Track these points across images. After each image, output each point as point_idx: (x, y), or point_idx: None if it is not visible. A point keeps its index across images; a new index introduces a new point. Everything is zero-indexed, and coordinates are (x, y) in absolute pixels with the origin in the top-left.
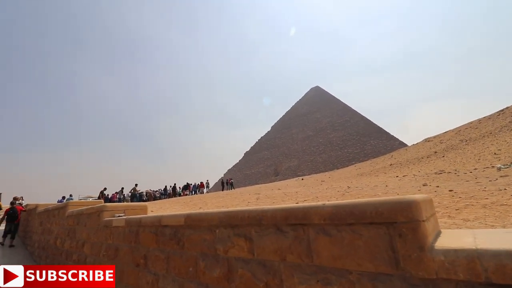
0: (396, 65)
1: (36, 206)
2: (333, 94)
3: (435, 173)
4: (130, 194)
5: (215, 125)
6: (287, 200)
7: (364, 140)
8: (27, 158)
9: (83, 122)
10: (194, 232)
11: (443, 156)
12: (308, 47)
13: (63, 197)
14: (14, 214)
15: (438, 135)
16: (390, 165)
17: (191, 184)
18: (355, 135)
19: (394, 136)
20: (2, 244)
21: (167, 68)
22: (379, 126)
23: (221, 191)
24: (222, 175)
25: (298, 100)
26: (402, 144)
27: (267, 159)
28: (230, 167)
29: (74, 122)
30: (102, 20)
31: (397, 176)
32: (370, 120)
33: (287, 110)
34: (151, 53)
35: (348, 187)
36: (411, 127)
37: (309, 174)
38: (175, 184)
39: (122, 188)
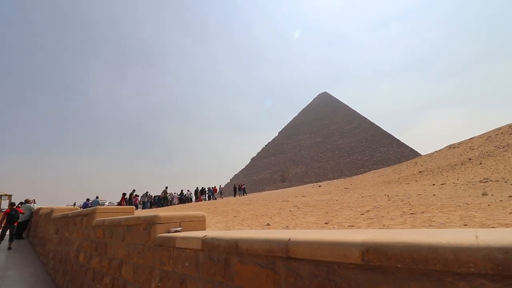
0: (403, 70)
1: (51, 210)
2: (341, 100)
3: (480, 181)
4: (151, 197)
5: (223, 129)
6: (330, 208)
7: (374, 147)
8: (39, 161)
9: (94, 127)
10: (385, 281)
11: (480, 163)
12: (316, 53)
13: (88, 199)
14: (15, 215)
15: (463, 142)
16: (419, 172)
17: (206, 189)
18: (364, 141)
19: (404, 143)
20: (10, 248)
21: (178, 73)
22: (388, 133)
23: (233, 197)
24: (229, 180)
25: (306, 106)
26: (413, 152)
27: (274, 165)
28: (236, 172)
29: (85, 127)
30: (117, 27)
31: (433, 184)
32: (379, 127)
33: (294, 116)
34: (163, 59)
35: (386, 195)
36: (419, 133)
37: (316, 181)
38: (197, 188)
39: (147, 192)
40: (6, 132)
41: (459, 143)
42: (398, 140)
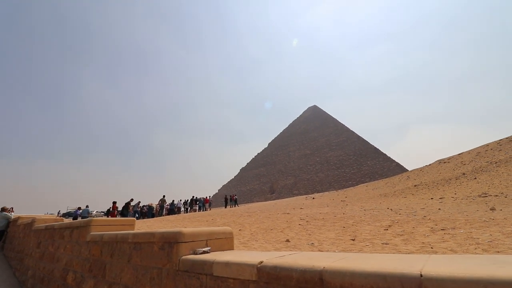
0: (388, 87)
1: (33, 220)
2: (330, 114)
3: (479, 196)
4: (141, 208)
5: (213, 139)
6: (343, 222)
7: (361, 161)
8: (22, 167)
9: (83, 133)
10: None
11: (475, 178)
12: (307, 67)
13: (79, 208)
14: None
15: (453, 157)
16: (414, 186)
17: (197, 199)
18: (352, 155)
19: (391, 157)
20: None
21: (171, 82)
22: (375, 147)
23: (224, 208)
24: (217, 191)
25: (296, 118)
26: (399, 166)
27: (263, 176)
28: (225, 182)
29: (74, 133)
30: (110, 35)
31: (431, 198)
32: (366, 141)
33: (284, 128)
34: (156, 67)
35: (390, 209)
36: (403, 148)
37: (305, 193)
38: (192, 197)
39: (139, 202)
40: None
41: (449, 158)
42: (385, 154)
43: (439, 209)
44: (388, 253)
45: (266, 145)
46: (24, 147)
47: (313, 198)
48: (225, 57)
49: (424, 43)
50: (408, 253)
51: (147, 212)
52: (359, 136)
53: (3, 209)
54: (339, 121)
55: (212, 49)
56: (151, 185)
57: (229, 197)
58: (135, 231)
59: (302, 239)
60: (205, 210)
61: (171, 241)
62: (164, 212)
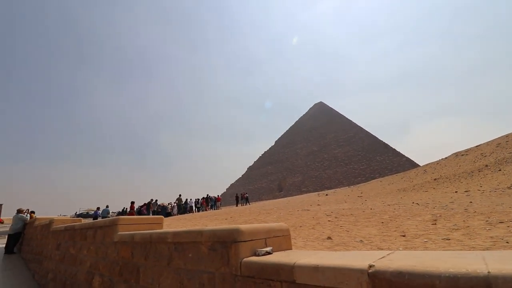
0: (396, 82)
1: (51, 221)
2: (337, 110)
3: (508, 187)
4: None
5: (219, 138)
6: (378, 217)
7: (370, 156)
8: (35, 171)
9: (91, 136)
10: None
11: (500, 170)
12: (311, 64)
13: (98, 208)
14: None
15: (470, 149)
16: (434, 180)
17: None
18: (360, 151)
19: (401, 152)
20: None
21: (175, 84)
22: (384, 142)
23: (235, 206)
24: (225, 190)
25: (302, 115)
26: (409, 161)
27: (270, 174)
28: (233, 181)
29: (83, 136)
30: (116, 37)
31: (456, 192)
32: (375, 136)
33: (291, 125)
34: (161, 68)
35: (415, 203)
36: (412, 143)
37: (314, 190)
38: (207, 195)
39: (156, 200)
40: (2, 141)
41: (466, 151)
42: (394, 150)
43: (471, 202)
44: (473, 250)
45: (273, 143)
46: (33, 152)
47: (326, 195)
48: (229, 57)
49: (430, 36)
50: (498, 249)
51: (160, 212)
52: (367, 131)
53: (19, 211)
54: (347, 117)
55: (216, 49)
56: (158, 185)
57: (240, 195)
58: (176, 229)
59: (343, 236)
60: (217, 208)
61: (226, 240)
62: (174, 212)
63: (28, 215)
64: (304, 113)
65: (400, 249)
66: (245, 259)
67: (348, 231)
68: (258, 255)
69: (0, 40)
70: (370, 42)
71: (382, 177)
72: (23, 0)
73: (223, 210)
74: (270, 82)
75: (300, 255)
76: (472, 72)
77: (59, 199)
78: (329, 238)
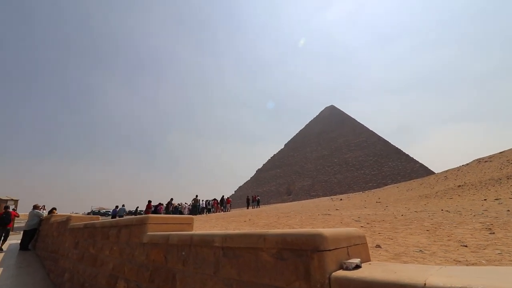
0: (410, 86)
1: (68, 218)
2: (348, 114)
3: None
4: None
5: (228, 140)
6: (418, 224)
7: (382, 162)
8: (48, 167)
9: (101, 135)
10: None
11: None
12: (323, 67)
13: (116, 206)
14: (7, 218)
15: (494, 155)
16: (459, 186)
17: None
18: (372, 156)
19: (414, 158)
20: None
21: (185, 85)
22: (397, 148)
23: (246, 209)
24: (233, 192)
25: (313, 118)
26: (423, 167)
27: (279, 177)
28: (241, 183)
29: (93, 135)
30: (126, 37)
31: (485, 199)
32: (388, 141)
33: (301, 129)
34: (164, 69)
35: (446, 210)
36: (425, 149)
37: (323, 195)
38: (223, 196)
39: (171, 199)
40: (18, 139)
41: (490, 157)
42: (408, 155)
43: (508, 210)
44: None
45: (283, 146)
46: (47, 149)
47: (341, 200)
48: (239, 59)
49: (447, 40)
50: None
51: (174, 212)
52: (379, 136)
53: (35, 207)
54: (359, 121)
55: (225, 51)
56: (165, 185)
57: (251, 197)
58: (225, 231)
59: (391, 244)
60: (226, 210)
61: (303, 248)
62: (186, 213)
63: (44, 211)
64: (314, 116)
65: (482, 262)
66: (334, 274)
67: (392, 239)
68: (347, 269)
69: (21, 41)
70: (385, 44)
71: (395, 183)
72: (41, 2)
73: (235, 212)
74: (281, 84)
75: (407, 271)
76: (491, 76)
77: (69, 197)
78: (378, 246)
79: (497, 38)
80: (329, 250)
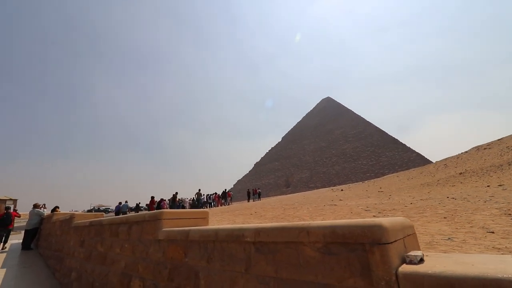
0: (404, 76)
1: (71, 216)
2: (345, 105)
3: None
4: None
5: (224, 135)
6: (433, 212)
7: (379, 152)
8: (42, 166)
9: (95, 133)
10: None
11: None
12: (318, 59)
13: (120, 203)
14: (7, 219)
15: (492, 142)
16: (460, 174)
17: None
18: (369, 146)
19: (411, 147)
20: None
21: (179, 80)
22: (394, 138)
23: (247, 202)
24: (232, 186)
25: (309, 111)
26: (420, 156)
27: (277, 170)
28: (240, 177)
29: (87, 133)
30: (118, 33)
31: (488, 186)
32: (384, 131)
33: (298, 121)
34: (164, 65)
35: (452, 197)
36: (420, 137)
37: (322, 186)
38: (225, 189)
39: (176, 193)
40: (12, 138)
41: (488, 144)
42: (404, 145)
43: None
44: None
45: (280, 139)
46: (42, 148)
47: (342, 190)
48: (237, 54)
49: (439, 28)
50: None
51: (179, 207)
52: (376, 126)
53: (35, 206)
54: (355, 112)
55: (225, 46)
56: (165, 181)
57: (252, 190)
58: (258, 225)
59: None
60: (227, 204)
61: (359, 241)
62: (186, 208)
63: (45, 210)
64: (311, 108)
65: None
66: (401, 269)
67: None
68: (412, 263)
69: (15, 38)
70: (378, 35)
71: (392, 173)
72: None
73: (236, 205)
74: (278, 77)
75: (481, 262)
76: (483, 65)
77: (67, 194)
78: None
79: (490, 26)
80: (390, 242)
